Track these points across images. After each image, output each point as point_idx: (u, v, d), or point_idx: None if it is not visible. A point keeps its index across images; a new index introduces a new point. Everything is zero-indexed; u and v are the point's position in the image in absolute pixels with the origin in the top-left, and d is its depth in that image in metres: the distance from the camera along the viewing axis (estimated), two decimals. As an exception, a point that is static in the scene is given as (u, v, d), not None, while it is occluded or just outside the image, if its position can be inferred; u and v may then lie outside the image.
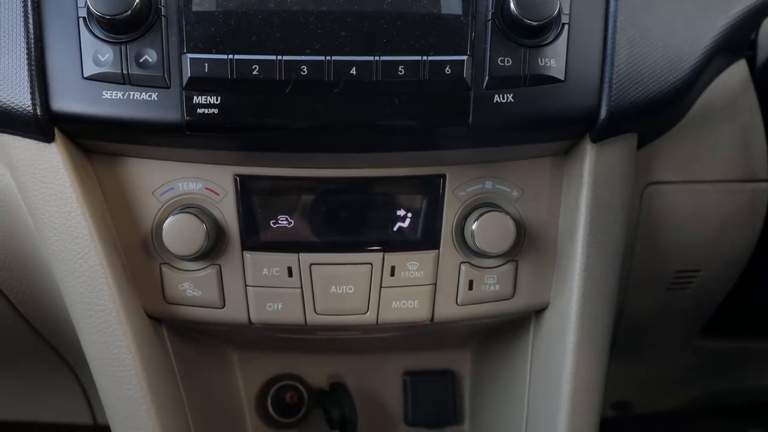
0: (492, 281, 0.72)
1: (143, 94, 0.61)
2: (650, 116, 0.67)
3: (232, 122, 0.61)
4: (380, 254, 0.70)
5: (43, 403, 1.12)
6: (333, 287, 0.70)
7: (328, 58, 0.60)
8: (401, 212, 0.70)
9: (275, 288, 0.70)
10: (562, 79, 0.64)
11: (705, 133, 0.77)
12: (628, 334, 0.92)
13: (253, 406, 0.96)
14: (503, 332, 0.85)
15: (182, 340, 0.78)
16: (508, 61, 0.62)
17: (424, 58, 0.61)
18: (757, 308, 0.99)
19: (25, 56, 0.60)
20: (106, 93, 0.61)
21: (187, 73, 0.60)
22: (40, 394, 1.11)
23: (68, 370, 1.01)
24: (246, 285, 0.70)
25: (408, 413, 0.97)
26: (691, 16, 0.68)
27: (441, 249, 0.71)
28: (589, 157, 0.68)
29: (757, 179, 0.80)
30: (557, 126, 0.66)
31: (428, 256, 0.71)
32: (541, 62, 0.63)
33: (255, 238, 0.69)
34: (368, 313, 0.71)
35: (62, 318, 0.75)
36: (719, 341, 1.04)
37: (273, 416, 0.95)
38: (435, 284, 0.71)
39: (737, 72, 0.79)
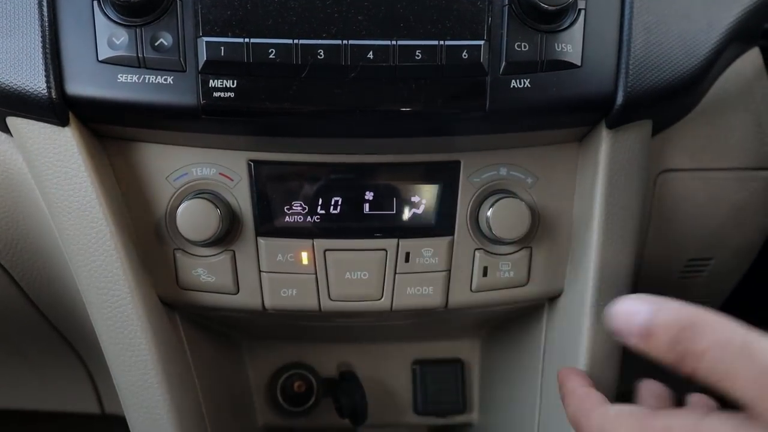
0: (506, 268, 0.71)
1: (159, 77, 0.60)
2: (666, 102, 0.67)
3: (248, 106, 0.61)
4: (395, 240, 0.70)
5: (50, 391, 1.12)
6: (347, 273, 0.70)
7: (345, 42, 0.60)
8: (416, 198, 0.70)
9: (289, 274, 0.70)
10: (579, 64, 0.63)
11: (718, 121, 0.77)
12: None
13: (262, 395, 0.96)
14: (514, 320, 0.85)
15: (194, 327, 0.78)
16: (524, 47, 0.62)
17: (441, 42, 0.61)
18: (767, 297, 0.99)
19: (40, 39, 0.60)
20: (121, 76, 0.60)
21: (203, 56, 0.60)
22: (47, 382, 1.11)
23: (77, 358, 1.01)
24: (260, 271, 0.69)
25: (417, 402, 0.97)
26: (707, 2, 0.67)
27: (455, 235, 0.70)
28: (604, 144, 0.67)
29: (770, 167, 0.80)
30: (574, 112, 0.65)
31: (443, 242, 0.70)
32: (558, 47, 0.63)
33: (269, 224, 0.69)
34: (383, 299, 0.71)
35: (74, 305, 0.75)
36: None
37: (282, 405, 0.95)
38: (449, 270, 0.71)
39: (751, 60, 0.79)
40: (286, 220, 0.69)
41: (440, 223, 0.70)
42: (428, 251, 0.70)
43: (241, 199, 0.68)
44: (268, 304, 0.70)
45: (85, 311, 0.68)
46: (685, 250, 0.84)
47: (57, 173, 0.63)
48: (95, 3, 0.60)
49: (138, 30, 0.60)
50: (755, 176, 0.79)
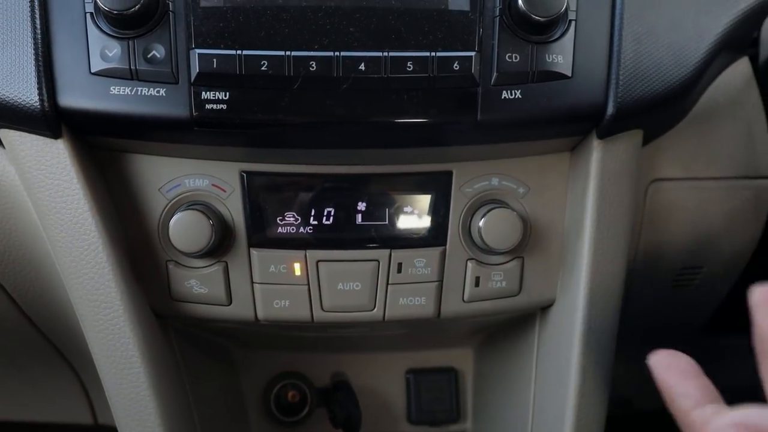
0: (498, 278, 0.72)
1: (151, 89, 0.60)
2: (656, 112, 0.68)
3: (241, 118, 0.61)
4: (387, 251, 0.70)
5: (43, 403, 1.11)
6: (340, 284, 0.70)
7: (337, 53, 0.60)
8: (408, 209, 0.70)
9: (282, 285, 0.70)
10: (570, 75, 0.64)
11: (709, 130, 0.78)
12: (630, 331, 0.93)
13: (256, 405, 0.95)
14: (507, 329, 0.86)
15: (187, 338, 0.78)
16: (515, 57, 0.62)
17: (433, 54, 0.61)
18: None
19: (32, 51, 0.60)
20: (114, 89, 0.60)
21: (196, 68, 0.60)
22: (40, 394, 1.10)
23: (70, 369, 1.01)
24: (253, 282, 0.69)
25: (411, 411, 0.97)
26: (697, 12, 0.68)
27: (448, 246, 0.71)
28: (595, 154, 0.68)
29: (760, 176, 0.80)
30: (564, 122, 0.66)
31: (435, 252, 0.71)
32: (549, 58, 0.63)
33: (262, 235, 0.69)
34: (375, 309, 0.71)
35: (66, 316, 0.74)
36: (722, 338, 1.04)
37: (276, 415, 0.95)
38: (441, 281, 0.71)
39: (740, 69, 0.80)
40: (278, 231, 0.69)
41: (432, 234, 0.71)
42: (420, 261, 0.70)
43: (234, 210, 0.68)
44: (260, 315, 0.70)
45: (77, 323, 0.68)
46: (676, 259, 0.84)
47: (49, 185, 0.63)
48: (88, 15, 0.60)
49: (130, 42, 0.60)
50: (746, 185, 0.80)
